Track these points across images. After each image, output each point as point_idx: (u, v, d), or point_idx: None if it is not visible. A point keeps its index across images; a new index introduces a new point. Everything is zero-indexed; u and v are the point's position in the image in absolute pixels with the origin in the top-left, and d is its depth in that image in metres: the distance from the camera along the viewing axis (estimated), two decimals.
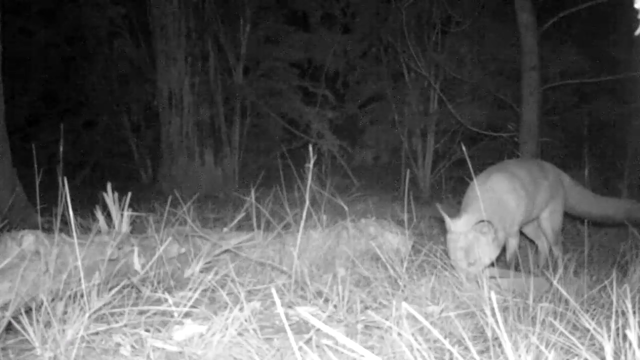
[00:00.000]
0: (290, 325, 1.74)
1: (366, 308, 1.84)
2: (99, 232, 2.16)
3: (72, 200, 1.74)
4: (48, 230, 2.23)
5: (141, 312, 1.67)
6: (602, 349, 1.25)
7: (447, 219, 2.27)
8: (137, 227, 2.71)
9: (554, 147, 5.73)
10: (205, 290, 1.89)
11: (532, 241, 3.19)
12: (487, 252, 2.23)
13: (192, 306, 1.71)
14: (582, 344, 1.31)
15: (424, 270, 2.30)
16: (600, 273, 2.30)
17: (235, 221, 2.52)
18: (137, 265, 1.96)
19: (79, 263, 1.70)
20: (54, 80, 7.69)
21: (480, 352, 1.47)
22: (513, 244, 2.64)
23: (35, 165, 2.23)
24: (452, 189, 5.81)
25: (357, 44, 6.67)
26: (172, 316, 1.69)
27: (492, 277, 2.13)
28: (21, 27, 6.98)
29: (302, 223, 2.18)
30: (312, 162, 2.30)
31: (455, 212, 2.36)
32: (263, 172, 4.30)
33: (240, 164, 6.44)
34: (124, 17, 6.97)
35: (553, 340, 1.40)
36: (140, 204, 3.90)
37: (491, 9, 5.74)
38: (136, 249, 1.99)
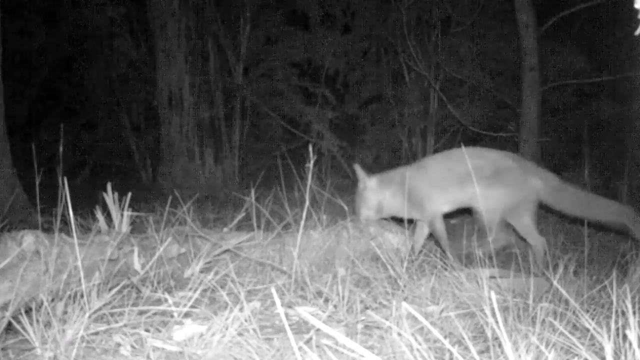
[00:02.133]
0: (290, 325, 1.74)
1: (366, 308, 1.84)
2: (99, 232, 2.16)
3: (72, 200, 1.74)
4: (48, 230, 2.23)
5: (141, 312, 1.67)
6: (602, 349, 1.25)
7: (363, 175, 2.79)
8: (137, 227, 2.71)
9: (554, 147, 5.73)
10: (205, 290, 1.89)
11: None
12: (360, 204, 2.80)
13: (192, 306, 1.71)
14: (582, 344, 1.31)
15: (424, 270, 2.30)
16: (600, 273, 2.30)
17: (235, 221, 2.52)
18: (137, 265, 1.96)
19: (79, 263, 1.70)
20: (54, 80, 7.70)
21: (480, 352, 1.47)
22: (432, 227, 2.78)
23: (35, 165, 2.23)
24: None
25: (357, 44, 6.67)
26: (172, 316, 1.69)
27: (492, 277, 2.13)
28: (21, 27, 6.98)
29: (302, 223, 2.18)
30: (312, 162, 2.31)
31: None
32: (263, 172, 4.30)
33: (240, 164, 6.44)
34: (124, 17, 6.97)
35: (553, 340, 1.40)
36: (140, 204, 3.90)
37: (491, 9, 5.74)
38: (136, 249, 1.99)
